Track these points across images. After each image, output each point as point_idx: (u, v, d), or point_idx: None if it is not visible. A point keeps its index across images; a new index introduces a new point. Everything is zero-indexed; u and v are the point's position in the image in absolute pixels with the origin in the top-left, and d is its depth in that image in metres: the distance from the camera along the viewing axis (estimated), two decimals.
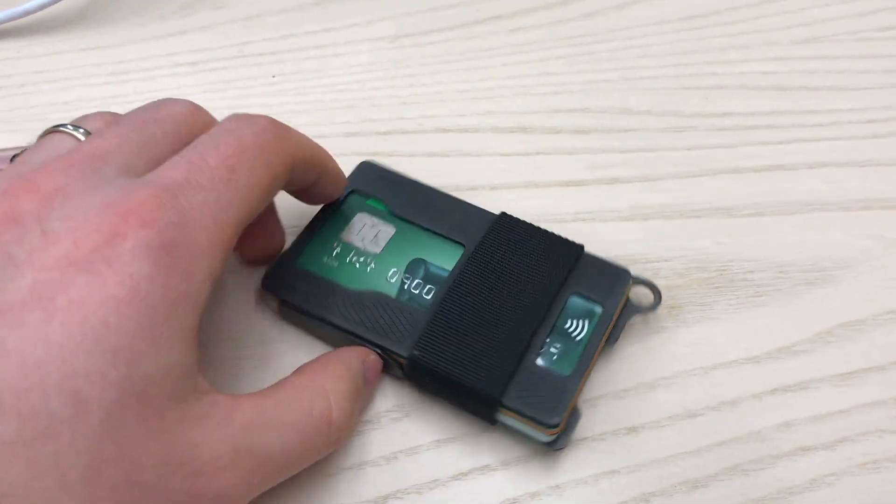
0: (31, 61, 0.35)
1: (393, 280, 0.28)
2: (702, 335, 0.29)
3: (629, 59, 0.37)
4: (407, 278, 0.28)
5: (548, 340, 0.27)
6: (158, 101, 0.25)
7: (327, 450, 0.24)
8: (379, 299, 0.27)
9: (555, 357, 0.26)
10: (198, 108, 0.25)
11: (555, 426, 0.25)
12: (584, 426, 0.27)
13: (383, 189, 0.30)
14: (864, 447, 0.27)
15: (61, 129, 0.23)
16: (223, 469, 0.20)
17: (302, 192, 0.28)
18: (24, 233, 0.19)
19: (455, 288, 0.27)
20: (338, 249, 0.29)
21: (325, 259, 0.28)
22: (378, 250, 0.29)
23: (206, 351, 0.28)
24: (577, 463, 0.27)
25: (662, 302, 0.29)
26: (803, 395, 0.28)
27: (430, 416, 0.27)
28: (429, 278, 0.28)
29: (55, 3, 0.35)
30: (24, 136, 0.33)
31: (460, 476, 0.26)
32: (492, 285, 0.27)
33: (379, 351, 0.27)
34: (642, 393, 0.28)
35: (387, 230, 0.29)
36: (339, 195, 0.29)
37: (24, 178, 0.20)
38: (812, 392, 0.28)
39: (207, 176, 0.21)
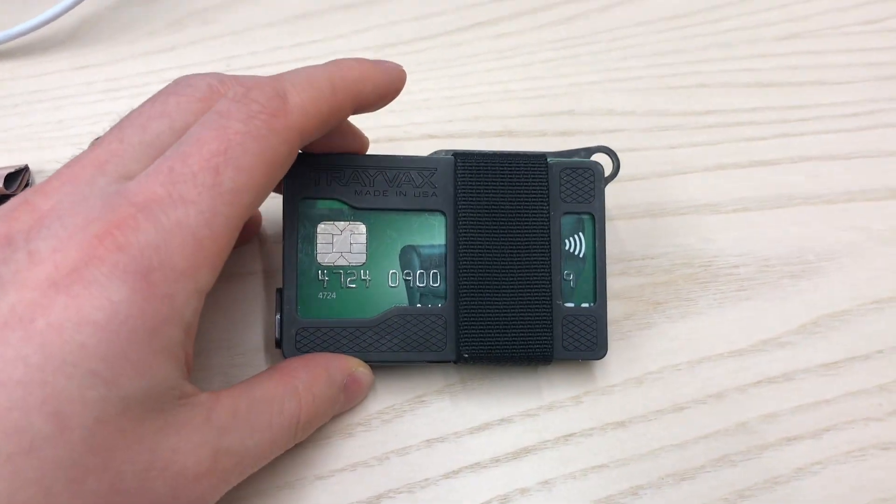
0: (24, 81, 0.35)
1: (396, 284, 0.27)
2: (687, 330, 0.30)
3: (612, 60, 0.38)
4: (408, 276, 0.27)
5: (562, 275, 0.28)
6: (178, 81, 0.23)
7: (288, 446, 0.25)
8: (398, 316, 0.27)
9: (573, 286, 0.28)
10: (212, 90, 0.22)
11: (603, 356, 0.27)
12: (572, 423, 0.28)
13: (329, 184, 0.27)
14: (849, 435, 0.28)
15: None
16: (205, 473, 0.21)
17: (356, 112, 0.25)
18: (13, 252, 0.19)
19: (462, 271, 0.27)
20: (326, 279, 0.27)
21: (321, 295, 0.27)
22: (363, 259, 0.27)
23: (200, 359, 0.29)
24: (565, 458, 0.27)
25: (643, 301, 0.29)
26: (788, 387, 0.29)
27: (420, 417, 0.28)
28: (427, 262, 0.28)
29: (47, 23, 0.35)
30: (18, 156, 0.33)
31: (451, 475, 0.27)
32: (493, 246, 0.27)
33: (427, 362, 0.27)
34: (629, 388, 0.28)
35: (357, 230, 0.27)
36: (397, 91, 0.26)
37: (25, 200, 0.21)
38: (797, 383, 0.29)
39: (190, 185, 0.20)
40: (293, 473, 0.27)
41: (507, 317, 0.27)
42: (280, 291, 0.27)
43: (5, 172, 0.30)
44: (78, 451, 0.18)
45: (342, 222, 0.27)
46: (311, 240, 0.27)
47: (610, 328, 0.29)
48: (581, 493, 0.26)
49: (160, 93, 0.23)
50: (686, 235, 0.32)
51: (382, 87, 0.25)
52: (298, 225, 0.27)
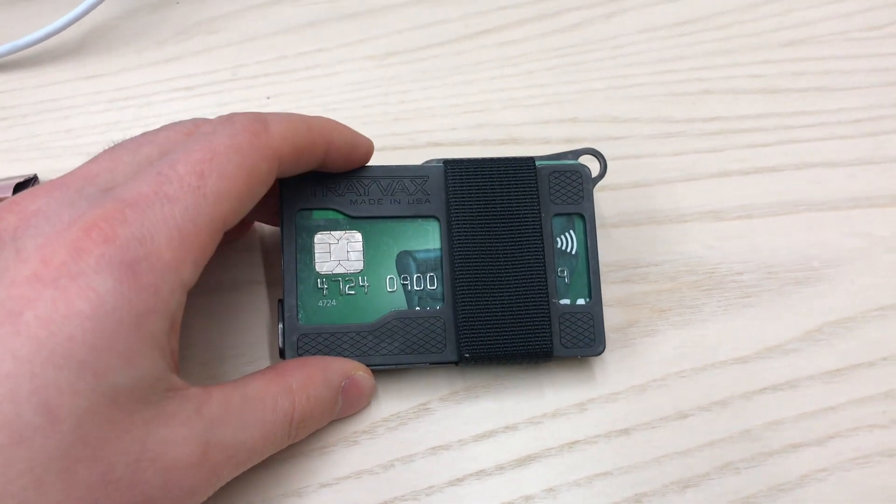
0: (32, 91, 0.36)
1: (394, 289, 0.28)
2: (691, 337, 0.30)
3: (617, 67, 0.38)
4: (405, 280, 0.28)
5: (556, 273, 0.28)
6: (166, 124, 0.25)
7: (284, 444, 0.25)
8: (397, 320, 0.27)
9: (568, 283, 0.28)
10: (195, 125, 0.24)
11: (601, 352, 0.28)
12: (576, 430, 0.28)
13: (324, 195, 0.28)
14: (854, 443, 0.28)
15: None
16: (195, 464, 0.21)
17: (323, 168, 0.27)
18: (1, 249, 0.20)
19: (457, 272, 0.27)
20: (325, 287, 0.27)
21: (322, 303, 0.27)
22: (361, 266, 0.28)
23: (209, 367, 0.29)
24: (570, 466, 0.27)
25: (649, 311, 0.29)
26: (793, 394, 0.29)
27: (425, 424, 0.28)
28: (423, 266, 0.28)
29: (55, 34, 0.36)
30: (27, 166, 0.33)
31: (456, 482, 0.27)
32: (487, 248, 0.28)
33: (429, 364, 0.27)
34: (633, 395, 0.29)
35: (353, 238, 0.28)
36: (365, 159, 0.28)
37: (13, 202, 0.21)
38: (802, 390, 0.29)
39: (175, 186, 0.21)
40: (298, 482, 0.27)
41: (505, 315, 0.27)
42: (281, 302, 0.27)
43: (14, 182, 0.30)
44: (68, 441, 0.19)
45: (338, 231, 0.28)
46: (309, 250, 0.28)
47: (614, 335, 0.30)
48: (585, 501, 0.27)
49: (150, 130, 0.25)
50: (690, 242, 0.32)
51: (350, 141, 0.27)
52: (296, 236, 0.28)
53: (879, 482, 0.27)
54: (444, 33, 0.39)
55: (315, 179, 0.28)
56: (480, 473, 0.27)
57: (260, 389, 0.24)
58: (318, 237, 0.28)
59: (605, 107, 0.37)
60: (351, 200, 0.28)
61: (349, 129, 0.27)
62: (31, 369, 0.18)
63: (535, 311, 0.27)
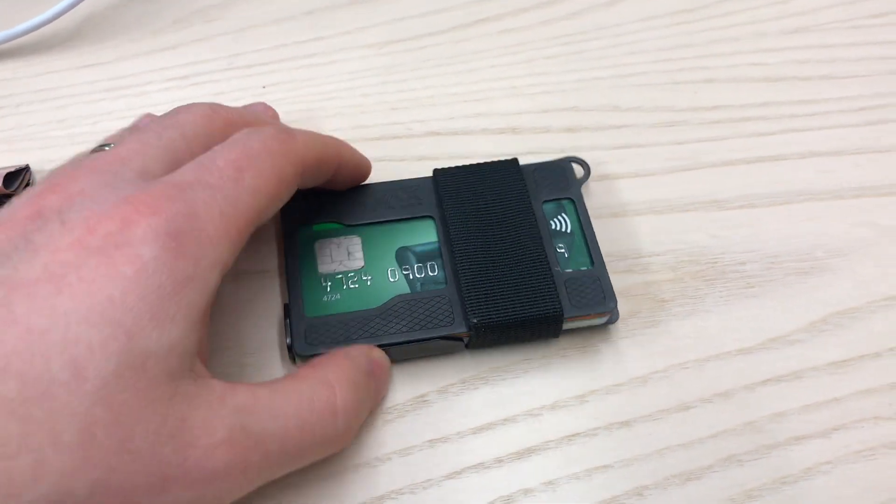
0: (27, 81, 0.35)
1: (396, 279, 0.28)
2: (694, 328, 0.29)
3: (618, 56, 0.37)
4: (406, 269, 0.29)
5: (554, 248, 0.29)
6: (179, 107, 0.26)
7: (337, 441, 0.24)
8: (402, 302, 0.28)
9: (568, 256, 0.29)
10: (214, 111, 0.26)
11: (613, 308, 0.28)
12: (576, 422, 0.27)
13: (321, 210, 0.30)
14: (859, 435, 0.27)
15: (100, 149, 0.25)
16: (217, 445, 0.20)
17: (328, 184, 0.29)
18: (45, 223, 0.20)
19: (459, 253, 0.28)
20: (328, 284, 0.28)
21: (326, 298, 0.28)
22: (361, 263, 0.29)
23: (215, 355, 0.28)
24: (570, 459, 0.27)
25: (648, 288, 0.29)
26: (797, 385, 0.28)
27: (422, 416, 0.28)
28: (423, 257, 0.29)
29: (50, 22, 0.35)
30: (21, 156, 0.33)
31: (454, 475, 0.26)
32: (483, 233, 0.28)
33: (441, 340, 0.27)
34: (635, 387, 0.28)
35: (353, 242, 0.29)
36: (365, 177, 0.30)
37: (53, 183, 0.22)
38: (806, 381, 0.28)
39: (216, 175, 0.22)
40: (296, 473, 0.26)
41: (509, 284, 0.27)
42: (286, 306, 0.28)
43: (5, 172, 0.30)
44: (91, 400, 0.19)
45: (338, 237, 0.29)
46: (311, 255, 0.29)
47: (615, 326, 0.29)
48: (585, 494, 0.26)
49: (166, 113, 0.26)
50: (692, 232, 0.32)
51: (357, 161, 0.29)
52: (297, 248, 0.29)
53: (885, 475, 0.26)
54: (445, 21, 0.38)
55: (310, 199, 0.30)
56: (479, 466, 0.27)
57: (292, 385, 0.23)
58: (318, 243, 0.29)
59: (607, 96, 0.36)
60: (347, 211, 0.30)
61: (355, 149, 0.29)
62: (66, 324, 0.19)
63: (540, 277, 0.27)
